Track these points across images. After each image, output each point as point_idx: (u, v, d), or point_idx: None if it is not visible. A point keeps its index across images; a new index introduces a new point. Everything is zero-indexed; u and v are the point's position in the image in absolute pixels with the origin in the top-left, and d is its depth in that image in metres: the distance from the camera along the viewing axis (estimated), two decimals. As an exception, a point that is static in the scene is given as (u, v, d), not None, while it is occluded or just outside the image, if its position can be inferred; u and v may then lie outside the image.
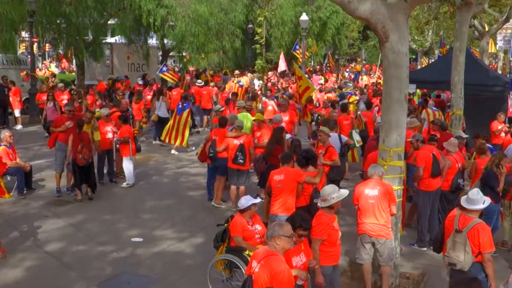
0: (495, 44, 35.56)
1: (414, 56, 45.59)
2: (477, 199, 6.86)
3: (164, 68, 24.01)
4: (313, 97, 21.47)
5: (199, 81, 25.16)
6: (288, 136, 12.42)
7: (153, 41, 33.12)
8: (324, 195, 7.07)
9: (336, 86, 30.48)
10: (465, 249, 6.68)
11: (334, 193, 7.03)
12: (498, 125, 15.14)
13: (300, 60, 31.70)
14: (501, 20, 27.95)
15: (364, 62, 54.81)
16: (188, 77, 31.71)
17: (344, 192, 7.22)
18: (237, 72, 33.40)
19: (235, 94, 21.31)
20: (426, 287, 8.72)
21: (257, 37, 31.40)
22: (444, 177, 10.46)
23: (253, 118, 14.54)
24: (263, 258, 5.64)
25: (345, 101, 20.45)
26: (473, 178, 10.92)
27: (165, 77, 24.42)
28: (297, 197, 9.11)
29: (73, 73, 35.76)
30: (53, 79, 27.84)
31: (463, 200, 7.04)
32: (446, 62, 16.90)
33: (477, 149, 11.35)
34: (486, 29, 30.70)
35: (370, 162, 9.43)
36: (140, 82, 25.08)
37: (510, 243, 10.49)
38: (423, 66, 36.87)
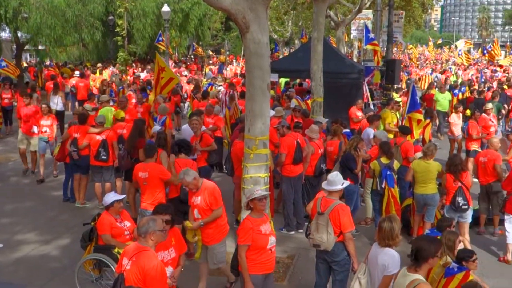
0: (349, 33, 37.48)
1: (274, 46, 46.80)
2: (335, 180, 7.18)
3: (3, 63, 21.97)
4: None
5: (77, 72, 24.92)
6: (157, 128, 12.20)
7: (5, 34, 31.12)
8: (246, 196, 6.75)
9: (202, 78, 30.53)
10: (328, 230, 6.95)
11: (253, 192, 6.68)
12: (357, 111, 15.84)
13: (166, 51, 31.36)
14: (354, 11, 29.63)
15: (228, 53, 55.38)
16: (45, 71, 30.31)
17: (266, 192, 6.97)
18: (99, 65, 32.34)
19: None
20: (296, 269, 9.05)
21: (118, 29, 30.59)
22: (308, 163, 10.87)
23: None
24: (134, 254, 5.55)
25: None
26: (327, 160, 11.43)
27: (5, 73, 22.61)
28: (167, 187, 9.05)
29: None
30: None
31: (324, 183, 7.36)
32: (305, 51, 17.50)
33: (331, 131, 11.89)
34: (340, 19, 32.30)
35: (237, 153, 9.53)
36: None
37: (371, 216, 11.09)
38: (284, 55, 38.00)
